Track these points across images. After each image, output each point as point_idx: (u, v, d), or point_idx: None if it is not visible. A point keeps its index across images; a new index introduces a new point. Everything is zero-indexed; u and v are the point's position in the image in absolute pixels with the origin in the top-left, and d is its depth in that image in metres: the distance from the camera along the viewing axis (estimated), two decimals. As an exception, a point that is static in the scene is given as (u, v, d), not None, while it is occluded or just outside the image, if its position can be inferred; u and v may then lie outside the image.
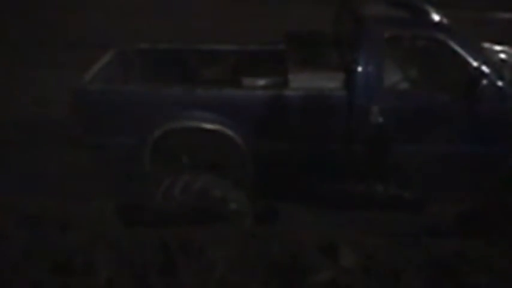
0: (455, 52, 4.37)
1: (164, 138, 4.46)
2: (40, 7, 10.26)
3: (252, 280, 3.43)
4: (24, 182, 4.89)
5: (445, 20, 4.67)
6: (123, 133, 4.50)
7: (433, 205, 4.63)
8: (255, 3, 10.59)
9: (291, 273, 3.44)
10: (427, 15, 4.74)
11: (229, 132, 4.44)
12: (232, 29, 8.17)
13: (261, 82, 4.85)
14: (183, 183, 4.20)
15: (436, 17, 4.69)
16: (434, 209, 4.59)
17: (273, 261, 3.53)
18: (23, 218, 4.19)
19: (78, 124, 4.52)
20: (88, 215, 4.31)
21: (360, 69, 4.35)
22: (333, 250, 3.61)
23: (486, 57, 4.51)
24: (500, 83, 4.36)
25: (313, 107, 4.41)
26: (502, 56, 5.14)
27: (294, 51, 4.91)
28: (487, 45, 5.21)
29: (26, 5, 10.37)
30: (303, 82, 4.46)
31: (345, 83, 4.43)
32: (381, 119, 4.35)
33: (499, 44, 5.39)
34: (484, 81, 4.25)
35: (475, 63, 4.34)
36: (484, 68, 4.33)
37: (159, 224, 4.00)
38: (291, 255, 3.55)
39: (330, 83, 4.45)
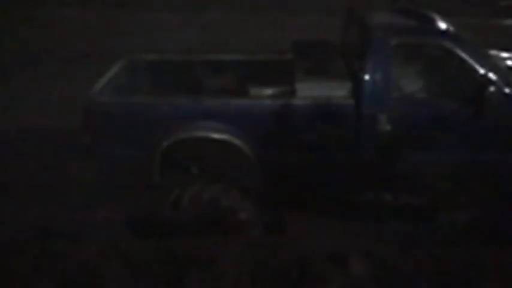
0: (462, 59, 4.37)
1: (173, 149, 4.46)
2: (46, 17, 10.37)
3: (261, 290, 3.43)
4: (33, 194, 4.91)
5: (451, 28, 4.67)
6: (132, 144, 4.50)
7: (443, 213, 4.61)
8: (262, 13, 10.63)
9: (301, 283, 3.44)
10: (434, 23, 4.74)
11: (237, 141, 4.44)
12: (239, 39, 8.21)
13: (269, 91, 4.86)
14: (192, 193, 4.21)
15: (443, 25, 4.69)
16: (444, 217, 4.57)
17: (282, 270, 3.52)
18: (32, 229, 4.21)
19: (86, 135, 4.53)
20: (97, 226, 4.33)
21: (367, 77, 4.35)
22: (342, 259, 3.60)
23: (493, 64, 4.51)
24: (507, 90, 4.35)
25: (320, 116, 4.41)
26: (509, 62, 5.14)
27: (302, 60, 4.92)
28: (493, 52, 5.21)
29: (31, 15, 10.48)
30: (310, 91, 4.46)
31: (353, 91, 4.43)
32: (388, 127, 4.35)
33: (505, 50, 5.39)
34: (491, 88, 4.25)
35: (482, 71, 4.34)
36: (491, 75, 4.33)
37: (169, 235, 4.01)
38: (300, 265, 3.54)
39: (337, 91, 4.46)
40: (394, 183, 4.60)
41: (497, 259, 3.64)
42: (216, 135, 4.43)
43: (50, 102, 6.55)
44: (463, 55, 4.37)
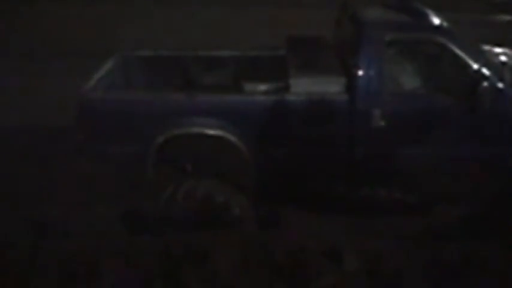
0: (455, 55, 4.39)
1: (167, 145, 4.46)
2: (36, 15, 10.33)
3: (255, 285, 3.43)
4: (28, 190, 4.90)
5: (445, 23, 4.67)
6: (126, 140, 4.49)
7: (437, 208, 4.63)
8: (255, 9, 10.62)
9: (295, 278, 3.45)
10: (427, 18, 4.74)
11: (231, 137, 4.44)
12: (239, 36, 8.19)
13: (263, 87, 4.86)
14: (186, 189, 4.21)
15: (436, 20, 4.70)
16: (438, 212, 4.59)
17: (276, 266, 3.53)
18: (28, 225, 4.21)
19: (80, 132, 4.52)
20: (92, 223, 4.32)
21: (361, 73, 4.36)
22: (336, 254, 3.61)
23: (486, 60, 4.53)
24: (500, 85, 4.37)
25: (314, 112, 4.41)
26: (502, 58, 5.14)
27: (295, 56, 4.92)
28: (487, 47, 5.22)
29: (21, 13, 10.43)
30: (304, 87, 4.47)
31: (346, 87, 4.44)
32: (382, 123, 4.36)
33: (499, 46, 5.40)
34: (485, 84, 4.26)
35: (475, 66, 4.35)
36: (485, 71, 4.34)
37: (163, 230, 4.01)
38: (294, 260, 3.55)
39: (331, 87, 4.46)
40: (388, 178, 4.62)
41: (492, 253, 3.66)
42: (211, 131, 4.43)
43: (48, 99, 6.51)
44: (457, 50, 4.38)
